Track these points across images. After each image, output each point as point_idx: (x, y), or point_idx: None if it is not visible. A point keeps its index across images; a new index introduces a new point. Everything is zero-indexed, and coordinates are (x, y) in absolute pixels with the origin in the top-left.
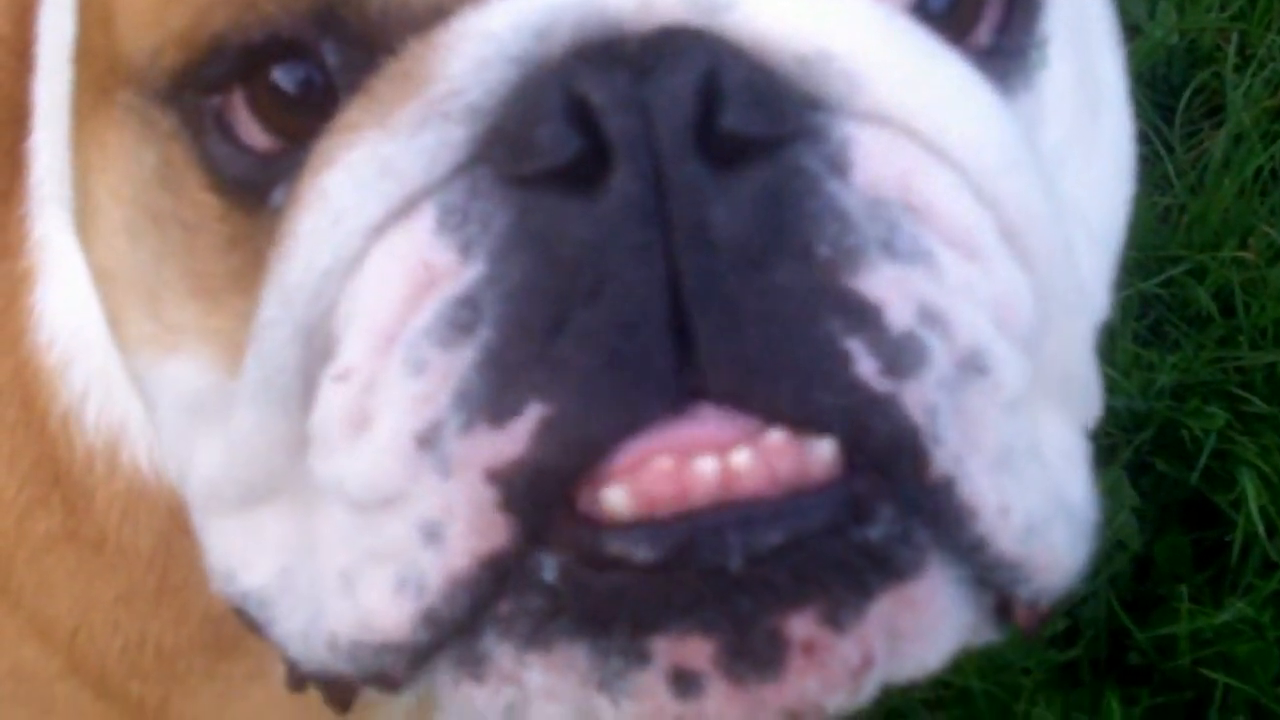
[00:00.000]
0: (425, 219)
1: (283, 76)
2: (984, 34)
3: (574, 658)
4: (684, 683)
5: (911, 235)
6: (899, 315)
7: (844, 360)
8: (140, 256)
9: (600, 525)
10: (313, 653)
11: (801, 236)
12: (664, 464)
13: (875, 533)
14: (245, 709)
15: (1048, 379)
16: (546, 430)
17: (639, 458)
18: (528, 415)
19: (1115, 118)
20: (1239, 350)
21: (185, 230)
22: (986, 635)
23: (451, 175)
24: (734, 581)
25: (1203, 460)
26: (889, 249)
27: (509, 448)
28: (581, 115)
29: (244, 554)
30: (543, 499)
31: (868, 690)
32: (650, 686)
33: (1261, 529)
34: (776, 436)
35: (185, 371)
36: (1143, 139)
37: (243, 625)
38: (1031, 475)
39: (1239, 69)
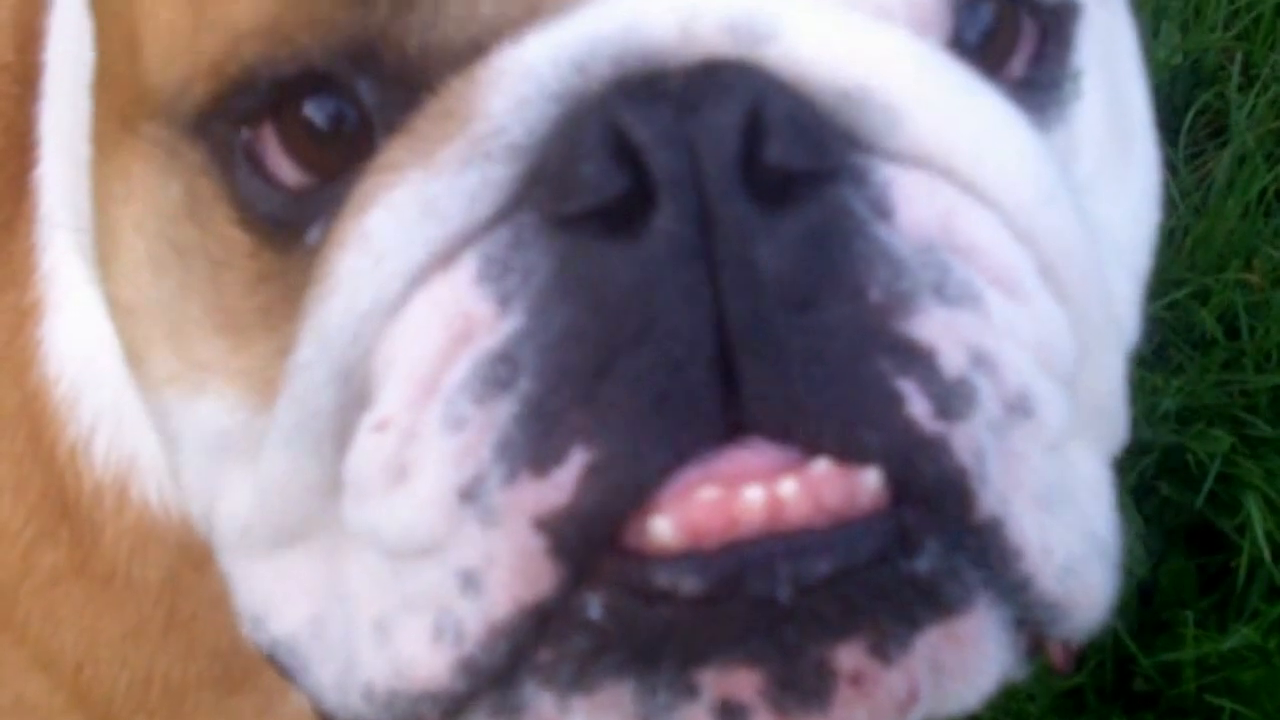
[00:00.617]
0: (467, 268)
1: (315, 110)
2: (1018, 66)
3: (619, 697)
4: (730, 715)
5: (961, 279)
6: (951, 360)
7: (896, 401)
8: (164, 292)
9: (647, 558)
10: (347, 703)
11: (853, 279)
12: (710, 494)
13: (923, 565)
14: None
15: (1081, 413)
16: (591, 475)
17: (685, 489)
18: (572, 462)
19: (1144, 147)
20: (1244, 373)
21: (212, 265)
22: (1018, 675)
23: (495, 219)
24: (781, 612)
25: (1207, 485)
26: (940, 293)
27: (555, 495)
28: (625, 152)
29: (274, 599)
30: (592, 542)
31: None
32: (693, 712)
33: (1267, 554)
34: (823, 466)
35: (211, 410)
36: None
37: (270, 667)
38: (1069, 514)
39: (1243, 89)
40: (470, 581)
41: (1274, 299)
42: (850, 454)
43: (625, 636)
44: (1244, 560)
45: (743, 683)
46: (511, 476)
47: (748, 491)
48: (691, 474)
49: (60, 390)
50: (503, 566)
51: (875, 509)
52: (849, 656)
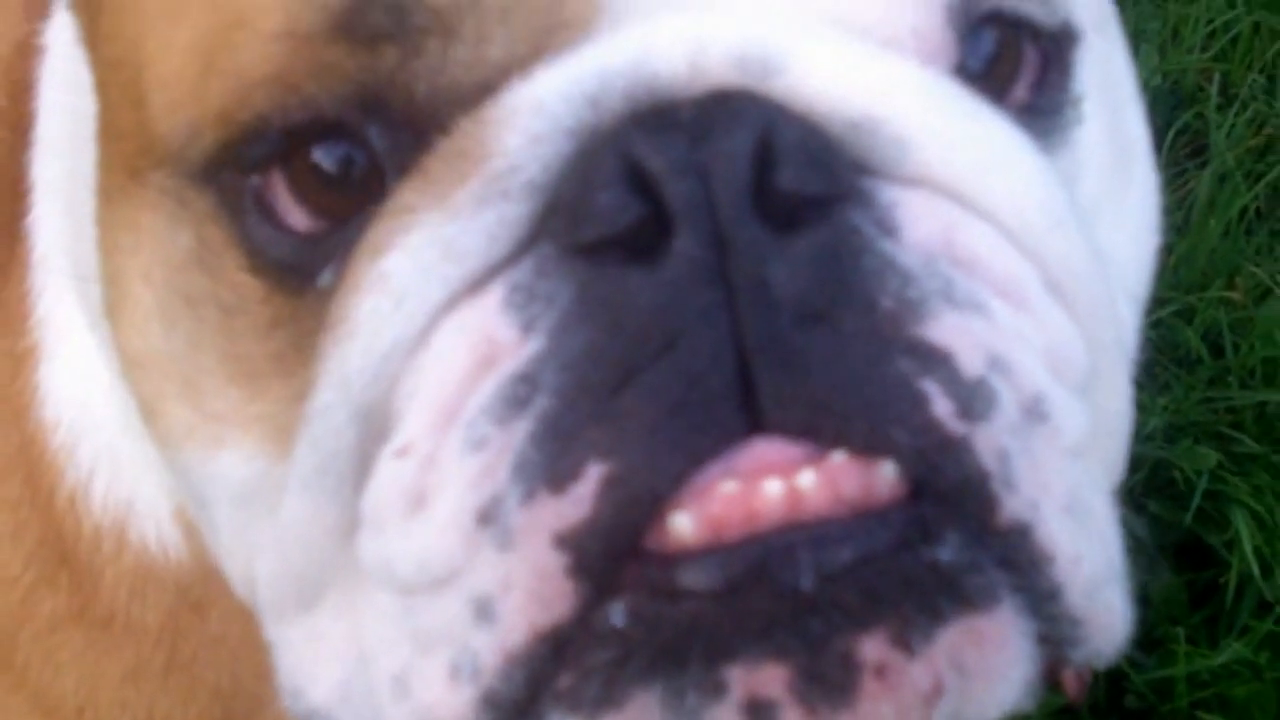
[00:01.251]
0: (493, 296)
1: (324, 156)
2: (1022, 91)
3: (647, 705)
4: (759, 714)
5: (967, 288)
6: (970, 361)
7: (922, 400)
8: (175, 343)
9: (669, 558)
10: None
11: (863, 291)
12: (730, 488)
13: (944, 554)
14: None
15: (1094, 433)
16: (609, 488)
17: (704, 485)
18: (589, 476)
19: (1143, 170)
20: (1229, 390)
21: (223, 313)
22: (1033, 700)
23: (516, 252)
24: (805, 604)
25: (1195, 501)
26: (950, 299)
27: (573, 511)
28: (639, 181)
29: (308, 668)
30: (612, 554)
31: None
32: (722, 711)
33: (1256, 569)
34: (840, 458)
35: (230, 463)
36: None
37: (271, 706)
38: (1093, 527)
39: (1221, 109)
40: (484, 610)
41: (1257, 316)
42: (876, 451)
43: (650, 639)
44: (1233, 576)
45: (770, 678)
46: (529, 495)
47: (767, 484)
48: (711, 470)
49: (58, 435)
50: (518, 590)
51: (894, 500)
52: (873, 647)
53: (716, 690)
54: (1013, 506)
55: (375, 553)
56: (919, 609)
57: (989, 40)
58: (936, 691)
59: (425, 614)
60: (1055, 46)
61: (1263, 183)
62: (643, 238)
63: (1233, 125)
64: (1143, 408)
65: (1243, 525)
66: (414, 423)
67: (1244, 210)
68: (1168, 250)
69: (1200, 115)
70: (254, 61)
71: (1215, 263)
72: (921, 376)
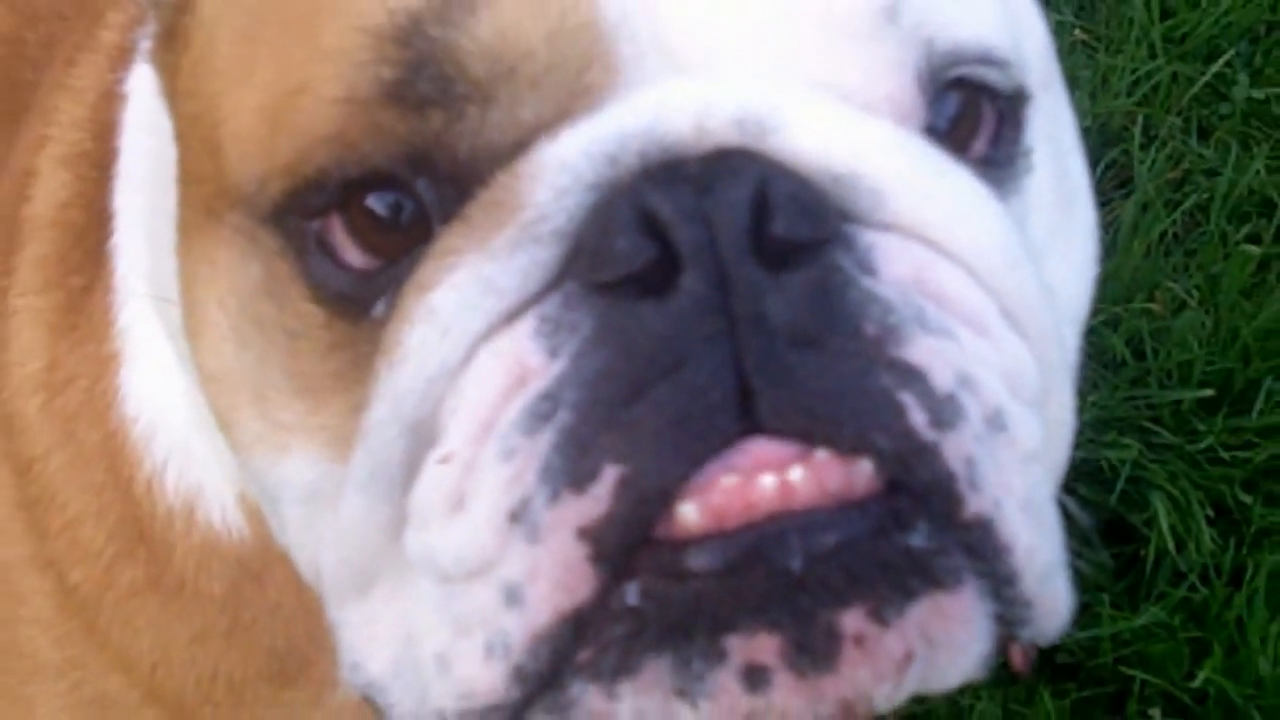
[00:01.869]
0: (525, 326)
1: (377, 203)
2: (980, 146)
3: (659, 671)
4: (754, 678)
5: (937, 316)
6: (942, 378)
7: (900, 410)
8: (246, 361)
9: (677, 543)
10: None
11: (850, 319)
12: (730, 482)
13: (916, 540)
14: None
15: (1044, 442)
16: (623, 487)
17: (707, 479)
18: (605, 478)
19: (1084, 211)
20: (1149, 390)
21: (289, 337)
22: (986, 671)
23: (545, 289)
24: (794, 581)
25: (1119, 485)
26: (923, 325)
27: (593, 508)
28: (652, 227)
29: (364, 646)
30: (627, 542)
31: (906, 688)
32: (725, 685)
33: (1171, 545)
34: (824, 455)
35: (296, 468)
36: None
37: (319, 664)
38: (1045, 523)
39: (1144, 147)
40: (514, 596)
41: (1174, 325)
42: (860, 453)
43: (661, 615)
44: (1151, 550)
45: (764, 647)
46: (554, 496)
47: (762, 478)
48: (713, 467)
49: (137, 429)
50: (544, 578)
51: (871, 493)
52: (853, 620)
53: (718, 658)
54: (977, 504)
55: (420, 546)
56: (893, 587)
57: (953, 102)
58: (907, 659)
59: (462, 600)
60: (1010, 106)
61: (1179, 210)
62: (655, 276)
63: (1153, 161)
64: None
65: (1160, 506)
66: (455, 434)
67: (1163, 234)
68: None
69: (1125, 152)
70: (316, 122)
71: (1138, 279)
72: (900, 390)
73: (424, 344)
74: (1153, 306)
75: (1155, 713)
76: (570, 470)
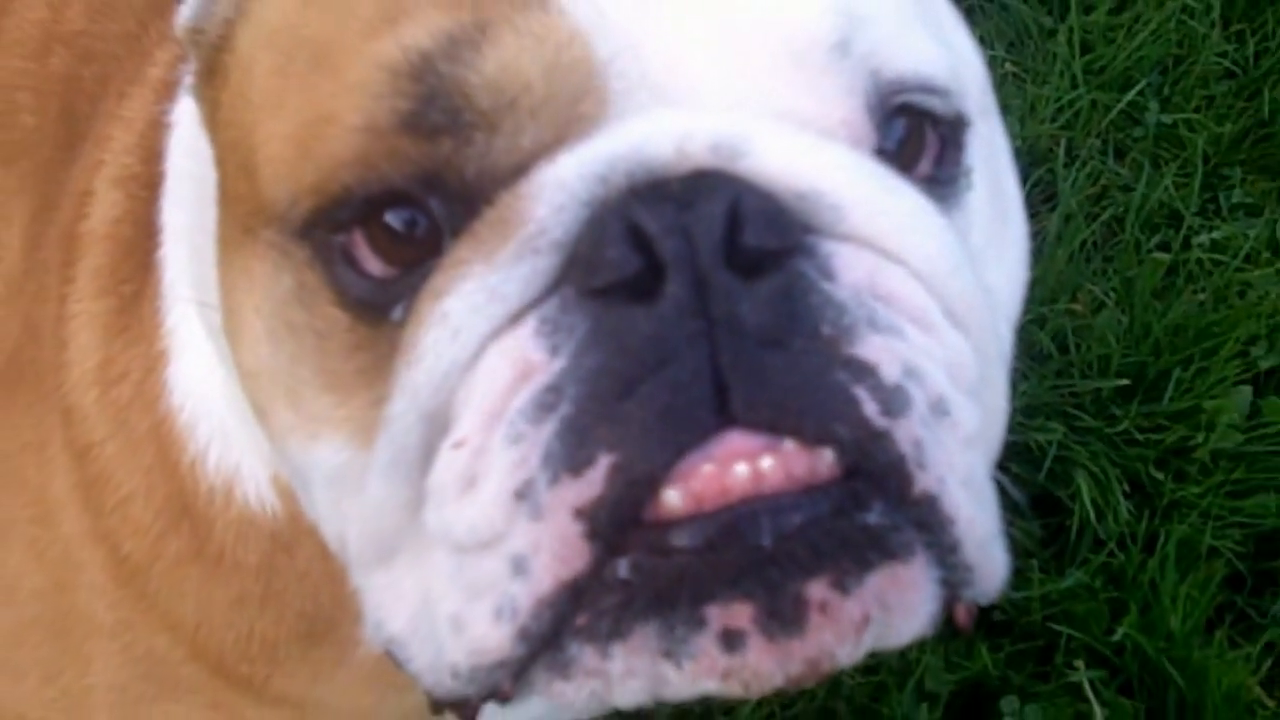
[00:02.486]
0: (528, 326)
1: (394, 218)
2: (925, 166)
3: (647, 636)
4: (731, 641)
5: (886, 315)
6: (890, 371)
7: (854, 402)
8: (280, 360)
9: (662, 524)
10: (441, 682)
11: (810, 321)
12: (708, 469)
13: (872, 518)
14: (332, 686)
15: (983, 426)
16: (615, 472)
17: (688, 467)
18: (600, 464)
19: (1017, 222)
20: (1072, 380)
21: (318, 338)
22: (933, 630)
23: (544, 294)
24: (765, 557)
25: (1046, 464)
26: (874, 324)
27: (588, 490)
28: (639, 240)
29: (387, 608)
30: (617, 522)
31: (864, 647)
32: (705, 648)
33: (1093, 516)
34: (791, 446)
35: (324, 454)
36: None
37: (343, 624)
38: (984, 498)
39: (1067, 166)
40: (520, 566)
41: (1094, 323)
42: (822, 442)
43: (648, 586)
44: (1075, 521)
45: (739, 614)
46: (555, 479)
47: (736, 466)
48: (694, 456)
49: (181, 417)
50: (545, 551)
51: (832, 478)
52: (817, 589)
53: (699, 624)
54: (924, 482)
55: (437, 522)
56: (853, 560)
57: (900, 128)
58: (865, 622)
59: (474, 569)
60: (951, 131)
61: (1098, 222)
62: (641, 283)
63: (1075, 179)
64: None
65: (1082, 482)
66: (467, 422)
67: (1084, 243)
68: None
69: (1051, 171)
70: (341, 148)
71: (1062, 282)
72: (854, 385)
73: (438, 344)
74: (1075, 306)
75: (1079, 664)
76: (569, 457)
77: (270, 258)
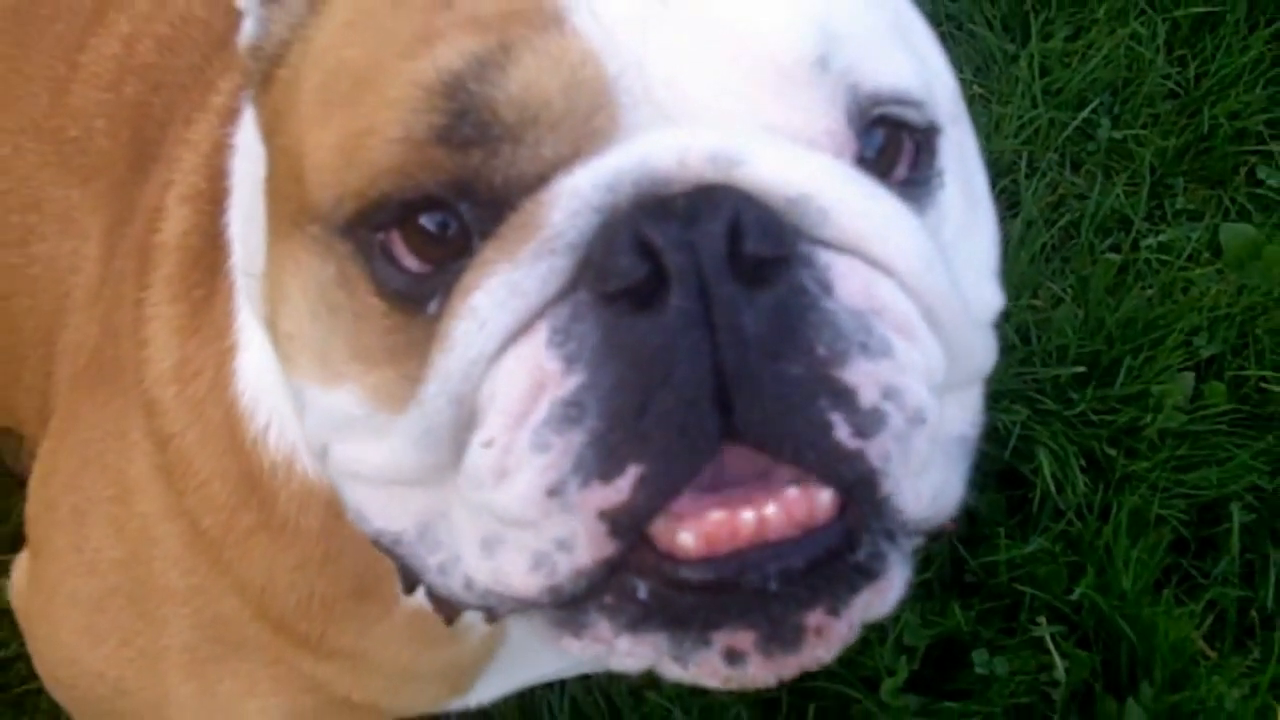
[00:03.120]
0: (541, 335)
1: (428, 221)
2: (901, 171)
3: (658, 642)
4: (733, 658)
5: (881, 335)
6: (868, 396)
7: (828, 428)
8: (317, 330)
9: (678, 560)
10: (448, 584)
11: (806, 340)
12: (719, 516)
13: (861, 555)
14: (375, 637)
15: (958, 387)
16: (641, 483)
17: (702, 510)
18: (629, 474)
19: (986, 214)
20: (1034, 367)
21: (354, 318)
22: (904, 602)
23: (559, 295)
24: (769, 595)
25: (1011, 443)
26: (865, 349)
27: (616, 496)
28: (646, 251)
29: (379, 508)
30: (637, 525)
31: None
32: (709, 659)
33: (1053, 488)
34: (794, 492)
35: (340, 401)
36: None
37: (388, 581)
38: (938, 467)
39: (1028, 177)
40: (563, 545)
41: (1054, 317)
42: (800, 461)
43: (663, 611)
44: (1037, 493)
45: (743, 639)
46: (586, 483)
47: (744, 513)
48: (708, 499)
49: (245, 401)
50: (582, 536)
51: (828, 520)
52: (813, 618)
53: (705, 644)
54: (888, 487)
55: (476, 498)
56: (845, 589)
57: (879, 137)
58: (851, 631)
59: (515, 535)
60: (925, 138)
61: (1056, 227)
62: (648, 291)
63: (1036, 188)
64: None
65: (1043, 458)
66: (494, 423)
67: (1044, 245)
68: None
69: (1014, 181)
70: (381, 157)
71: (1024, 281)
72: (832, 411)
73: (467, 335)
74: (1036, 302)
75: (1042, 620)
76: (600, 466)
77: (315, 250)
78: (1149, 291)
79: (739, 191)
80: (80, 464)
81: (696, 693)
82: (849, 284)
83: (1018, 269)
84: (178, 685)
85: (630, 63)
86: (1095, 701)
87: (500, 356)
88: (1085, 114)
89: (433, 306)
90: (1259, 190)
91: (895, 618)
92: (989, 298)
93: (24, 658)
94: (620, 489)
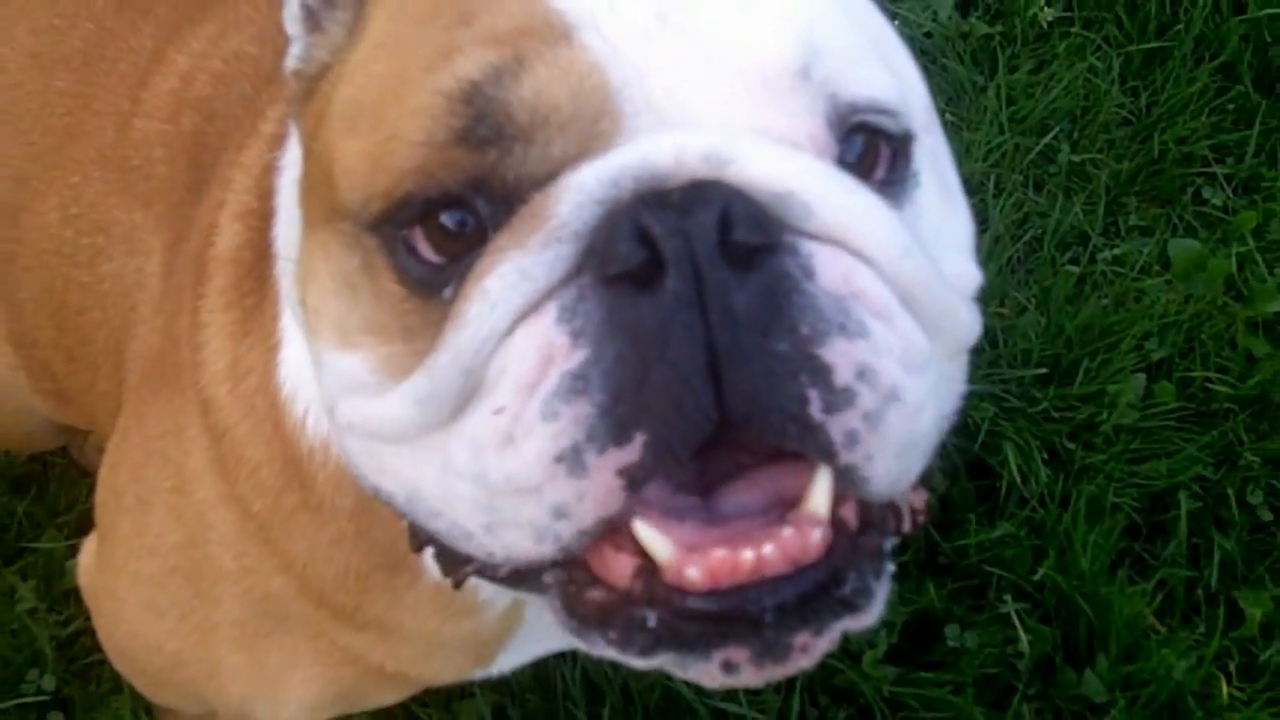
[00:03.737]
0: (550, 313)
1: (448, 218)
2: (880, 173)
3: (664, 659)
4: (729, 668)
5: (858, 318)
6: (843, 374)
7: (804, 402)
8: (339, 306)
9: (685, 592)
10: (452, 535)
11: (791, 319)
12: (722, 554)
13: (847, 589)
14: (404, 607)
15: (945, 358)
16: (648, 446)
17: (708, 547)
18: (637, 441)
19: (961, 206)
20: (1001, 369)
21: (374, 298)
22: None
23: (566, 278)
24: (765, 623)
25: (980, 437)
26: (844, 330)
27: (630, 457)
28: (645, 238)
29: (377, 467)
30: (647, 479)
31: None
32: (708, 669)
33: (1018, 479)
34: (788, 532)
35: (352, 364)
36: None
37: (412, 554)
38: (912, 454)
39: (996, 197)
40: (561, 512)
41: (1018, 323)
42: (778, 432)
43: (670, 635)
44: (1004, 483)
45: (739, 654)
46: (602, 449)
47: (745, 552)
48: (713, 534)
49: (286, 391)
50: (589, 499)
51: (818, 557)
52: (801, 639)
53: (705, 659)
54: (849, 458)
55: (469, 462)
56: (831, 617)
57: (858, 143)
58: (833, 644)
59: (509, 507)
60: (900, 144)
61: (1021, 242)
62: (646, 275)
63: (1003, 207)
64: None
65: (1009, 451)
66: (505, 393)
67: (1010, 259)
68: None
69: (983, 200)
70: (405, 160)
71: (992, 290)
72: (810, 386)
73: (479, 314)
74: (1003, 310)
75: (1008, 598)
76: (613, 433)
77: (344, 242)
78: (1105, 300)
79: (729, 187)
80: (144, 457)
81: None
82: (830, 270)
83: (986, 280)
84: (229, 657)
85: (632, 73)
86: (1056, 672)
87: (510, 334)
88: (1047, 140)
89: (448, 292)
90: (1204, 209)
91: None
92: (970, 274)
93: (90, 632)
94: (633, 450)
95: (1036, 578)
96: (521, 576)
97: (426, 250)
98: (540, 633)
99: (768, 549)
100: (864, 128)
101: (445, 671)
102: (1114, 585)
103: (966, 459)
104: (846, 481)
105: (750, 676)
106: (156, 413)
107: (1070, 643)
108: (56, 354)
